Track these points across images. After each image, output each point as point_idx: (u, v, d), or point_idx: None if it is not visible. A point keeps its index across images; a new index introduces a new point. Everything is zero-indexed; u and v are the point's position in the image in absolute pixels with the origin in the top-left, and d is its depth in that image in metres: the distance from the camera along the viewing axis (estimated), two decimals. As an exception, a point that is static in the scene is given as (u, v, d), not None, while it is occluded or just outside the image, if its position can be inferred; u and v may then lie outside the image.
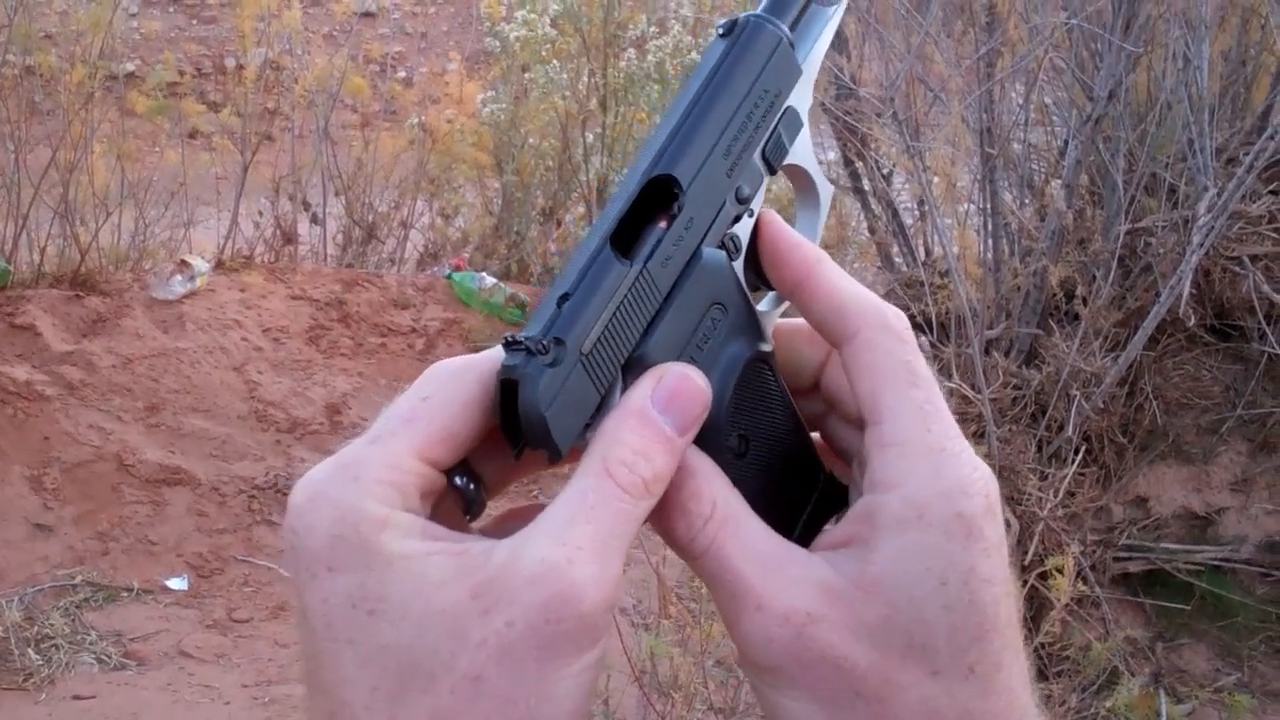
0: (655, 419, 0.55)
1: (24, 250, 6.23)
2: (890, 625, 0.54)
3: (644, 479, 0.53)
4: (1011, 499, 4.28)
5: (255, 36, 7.25)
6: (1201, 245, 4.16)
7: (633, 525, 0.53)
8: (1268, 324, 4.54)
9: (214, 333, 6.03)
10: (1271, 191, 4.63)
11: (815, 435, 0.65)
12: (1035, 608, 3.87)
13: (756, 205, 0.62)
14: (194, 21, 13.97)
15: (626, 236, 0.57)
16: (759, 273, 0.62)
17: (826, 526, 0.62)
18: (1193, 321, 4.33)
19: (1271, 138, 4.10)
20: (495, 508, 0.60)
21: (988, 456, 4.26)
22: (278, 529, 5.20)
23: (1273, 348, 4.54)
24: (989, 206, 4.84)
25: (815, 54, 0.64)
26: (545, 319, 0.55)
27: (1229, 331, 4.88)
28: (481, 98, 7.84)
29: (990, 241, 4.87)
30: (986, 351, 4.60)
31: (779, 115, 0.62)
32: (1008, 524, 4.21)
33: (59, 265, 6.25)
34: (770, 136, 0.62)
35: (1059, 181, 4.79)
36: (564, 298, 0.55)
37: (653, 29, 7.49)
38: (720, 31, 0.61)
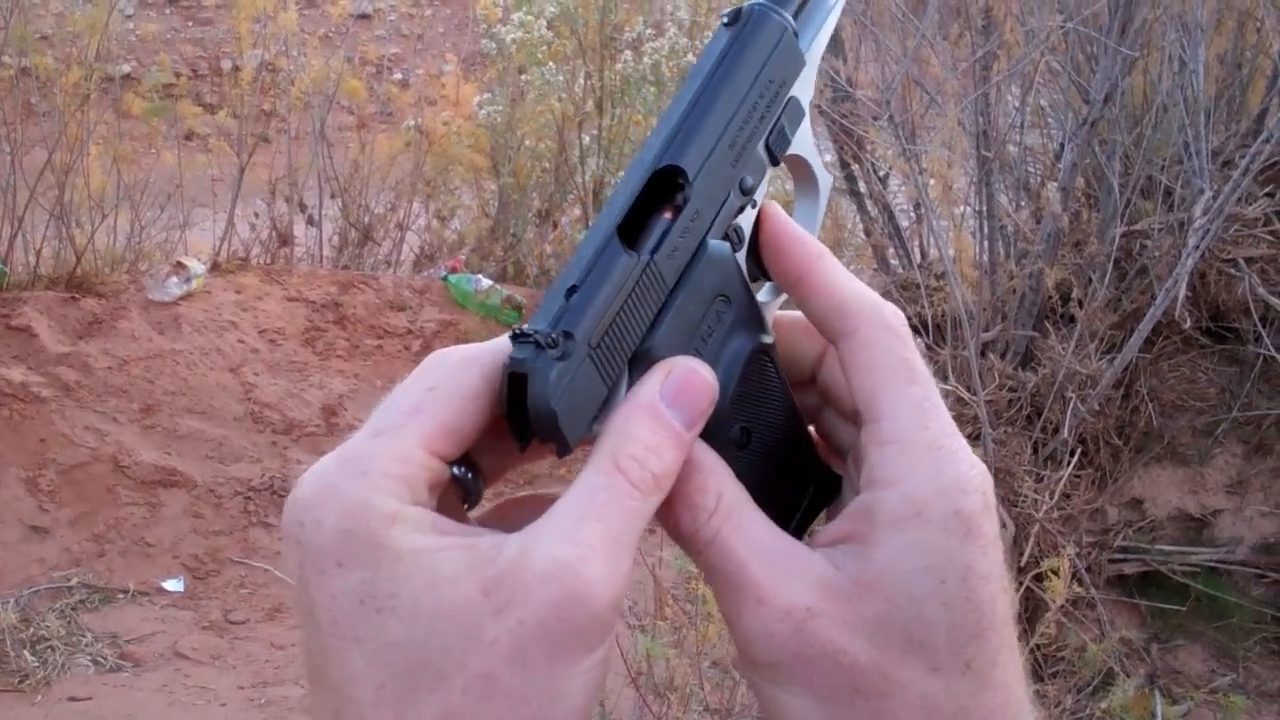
0: (665, 413, 0.54)
1: (20, 252, 6.22)
2: (889, 622, 0.54)
3: (654, 474, 0.53)
4: (1007, 501, 4.28)
5: (251, 38, 7.25)
6: (1197, 248, 4.17)
7: (642, 521, 0.53)
8: (1263, 326, 4.55)
9: (210, 334, 6.03)
10: (1267, 194, 4.64)
11: (810, 429, 0.65)
12: (1031, 609, 3.88)
13: (759, 197, 0.61)
14: (190, 23, 13.97)
15: (632, 227, 0.57)
16: (759, 264, 0.61)
17: (823, 522, 0.62)
18: (1188, 324, 4.33)
19: (1267, 140, 4.10)
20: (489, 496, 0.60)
21: (983, 458, 4.24)
22: (274, 530, 5.20)
23: (1268, 350, 4.55)
24: (985, 209, 4.85)
25: (818, 44, 0.64)
26: (553, 311, 0.54)
27: (1225, 334, 4.88)
28: (478, 100, 7.84)
29: (986, 244, 4.87)
30: (982, 354, 4.60)
31: (783, 105, 0.62)
32: (1003, 525, 4.22)
33: (55, 267, 6.25)
34: (774, 127, 0.62)
35: (1055, 184, 4.79)
36: (572, 290, 0.54)
37: (649, 31, 7.49)
38: (725, 21, 0.61)
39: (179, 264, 6.30)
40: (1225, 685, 4.33)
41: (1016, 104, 5.08)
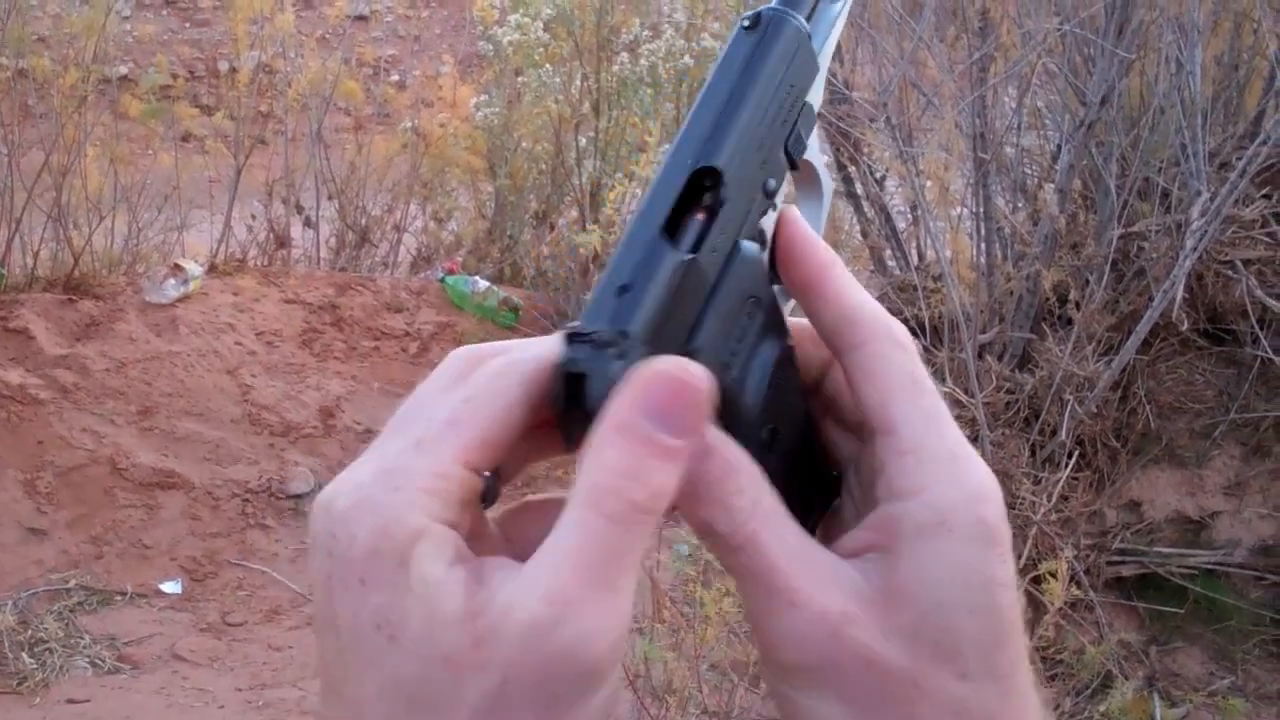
0: (643, 430, 0.49)
1: (17, 254, 6.22)
2: (919, 630, 0.54)
3: (636, 501, 0.49)
4: (1005, 503, 4.28)
5: (248, 40, 7.25)
6: (1194, 249, 4.18)
7: (633, 552, 0.50)
8: (1261, 328, 4.55)
9: (207, 336, 6.02)
10: (1264, 196, 4.64)
11: None
12: (1029, 612, 3.88)
13: (779, 200, 0.62)
14: (187, 24, 13.96)
15: (669, 227, 0.56)
16: (772, 268, 0.61)
17: (842, 535, 0.62)
18: (1186, 326, 4.33)
19: (1264, 142, 4.11)
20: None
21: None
22: (271, 533, 5.20)
23: (1266, 352, 4.55)
24: (982, 211, 4.85)
25: (827, 50, 0.64)
26: (607, 310, 0.53)
27: (1222, 336, 4.89)
28: (474, 101, 7.84)
29: (983, 245, 4.88)
30: (979, 355, 4.61)
31: (799, 110, 0.62)
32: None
33: (52, 269, 6.25)
34: (792, 131, 0.62)
35: (1052, 186, 4.79)
36: (624, 289, 0.53)
37: (646, 33, 7.49)
38: (745, 25, 0.61)
39: (176, 266, 6.30)
40: (1224, 688, 4.33)
41: (1013, 106, 5.08)
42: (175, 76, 9.80)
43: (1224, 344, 4.89)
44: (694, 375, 0.51)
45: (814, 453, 0.63)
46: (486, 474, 0.54)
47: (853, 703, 0.55)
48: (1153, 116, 4.71)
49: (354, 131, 7.88)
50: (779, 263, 0.61)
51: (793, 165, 0.63)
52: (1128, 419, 4.79)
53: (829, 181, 0.66)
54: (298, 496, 5.38)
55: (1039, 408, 4.55)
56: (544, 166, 7.67)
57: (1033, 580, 3.82)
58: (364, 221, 7.65)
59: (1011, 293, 4.71)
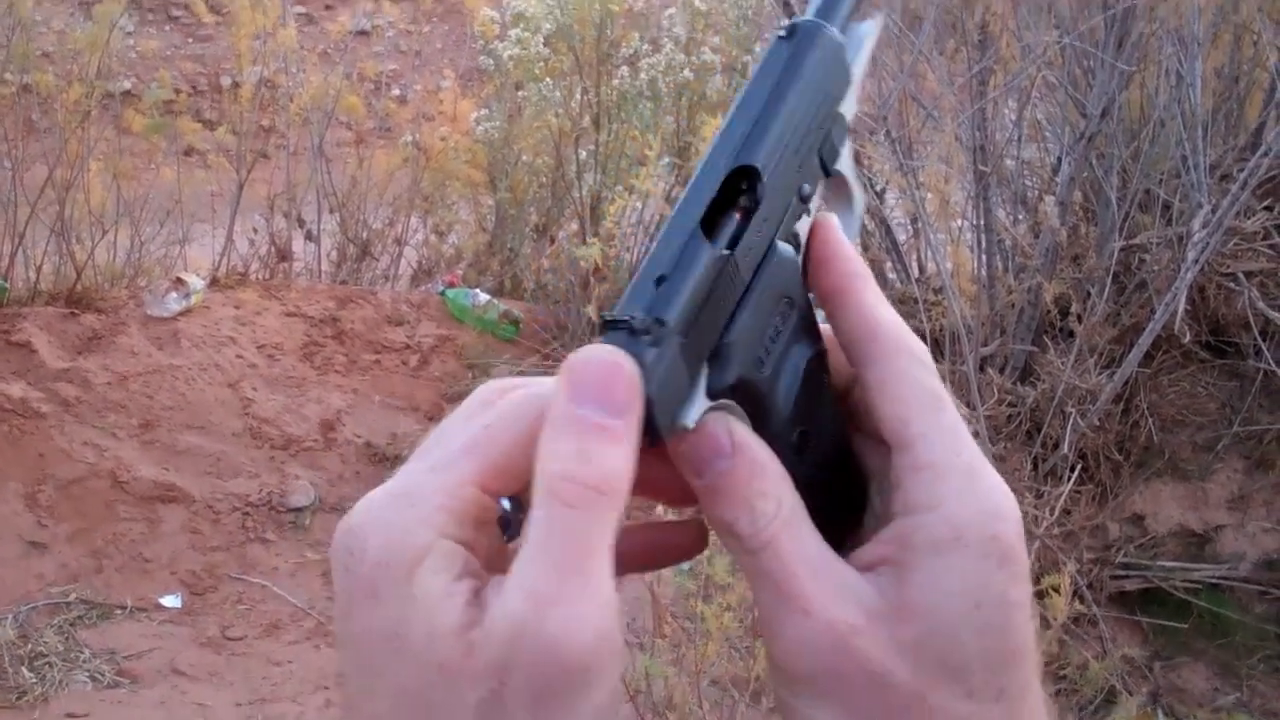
0: (581, 414, 0.50)
1: (20, 268, 6.22)
2: (927, 646, 0.54)
3: (590, 482, 0.50)
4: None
5: (251, 55, 7.25)
6: (1196, 262, 4.17)
7: (602, 534, 0.50)
8: (1263, 340, 4.55)
9: (209, 350, 6.02)
10: (1266, 208, 4.64)
11: None
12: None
13: (814, 206, 0.62)
14: (190, 40, 13.98)
15: (707, 224, 0.56)
16: (803, 273, 0.62)
17: (858, 547, 0.61)
18: (1188, 338, 4.33)
19: (1265, 154, 4.11)
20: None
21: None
22: (272, 546, 5.19)
23: (1268, 364, 4.55)
24: (983, 223, 4.85)
25: (859, 64, 0.65)
26: (643, 299, 0.53)
27: (1224, 348, 4.89)
28: (475, 115, 7.85)
29: (984, 258, 4.88)
30: (981, 368, 4.60)
31: (833, 119, 0.63)
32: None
33: (55, 283, 6.25)
34: (826, 138, 0.62)
35: (1053, 198, 4.80)
36: (661, 279, 0.54)
37: (645, 47, 7.49)
38: (781, 34, 0.62)
39: (178, 279, 6.30)
40: (1229, 703, 4.32)
41: (1013, 118, 5.09)
42: (178, 91, 9.81)
43: (1226, 356, 4.89)
44: (619, 355, 0.51)
45: (847, 463, 0.63)
46: (505, 502, 0.54)
47: (856, 715, 0.54)
48: (1153, 129, 4.71)
49: (355, 146, 7.88)
50: (810, 268, 0.62)
51: (826, 173, 0.63)
52: (1130, 432, 4.78)
53: (861, 195, 0.66)
54: (298, 510, 5.37)
55: (1041, 421, 4.55)
56: (544, 180, 7.67)
57: (1035, 595, 3.80)
58: (365, 235, 7.65)
59: (1013, 305, 4.71)
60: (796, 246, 0.61)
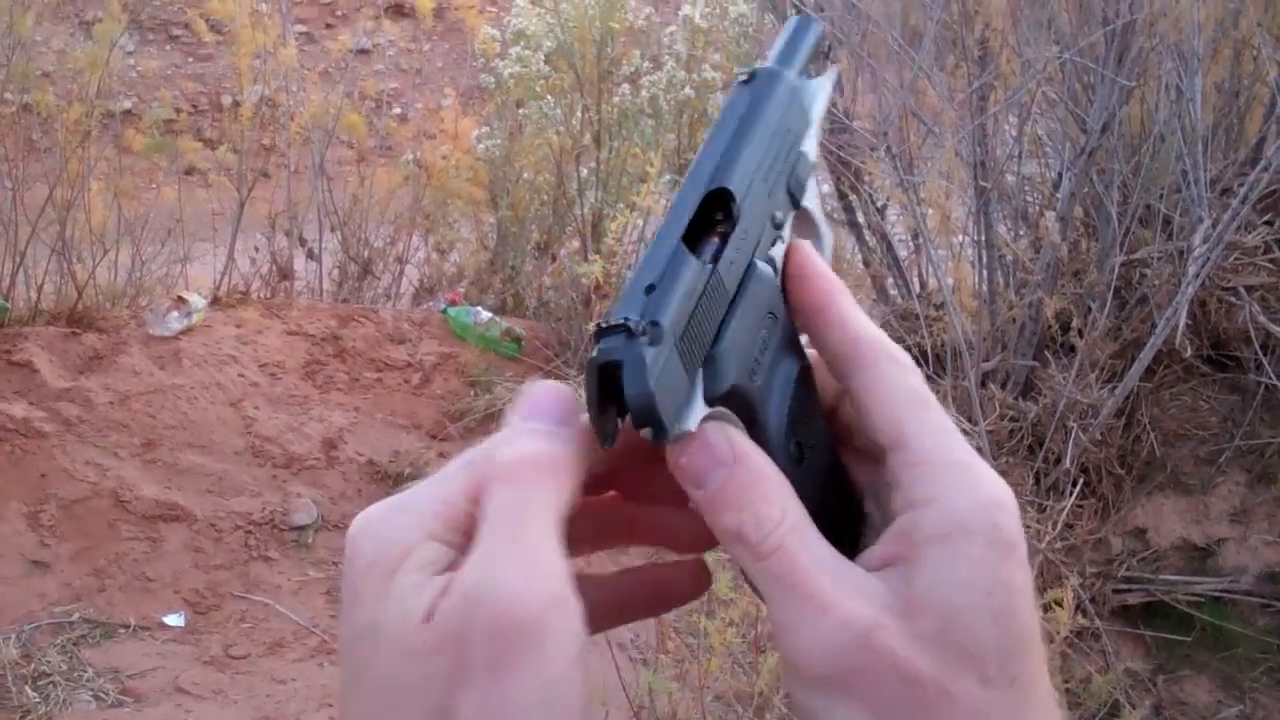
0: (523, 425, 0.57)
1: (21, 287, 6.23)
2: (944, 636, 0.55)
3: (524, 460, 0.55)
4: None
5: (251, 74, 7.27)
6: (1197, 276, 4.18)
7: (540, 505, 0.54)
8: (1264, 354, 4.55)
9: (210, 369, 6.02)
10: (1266, 222, 4.65)
11: None
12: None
13: (786, 233, 0.65)
14: (190, 59, 14.01)
15: (689, 242, 0.59)
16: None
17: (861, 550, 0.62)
18: (1189, 352, 4.34)
19: (1266, 169, 4.12)
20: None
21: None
22: (274, 565, 5.19)
23: (1270, 378, 4.55)
24: (984, 239, 4.86)
25: (816, 109, 0.69)
26: (635, 305, 0.55)
27: (1226, 362, 4.89)
28: (476, 133, 7.86)
29: (985, 274, 4.88)
30: (983, 384, 4.61)
31: (797, 155, 0.66)
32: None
33: (56, 302, 6.26)
34: (793, 172, 0.66)
35: (1053, 214, 4.80)
36: (650, 288, 0.56)
37: (646, 65, 7.51)
38: (743, 80, 0.66)
39: (179, 298, 6.31)
40: (1232, 716, 4.32)
41: (1014, 134, 5.10)
42: (179, 111, 9.82)
43: (1228, 370, 4.90)
44: (562, 386, 0.59)
45: (842, 477, 0.65)
46: None
47: (880, 711, 0.55)
48: (1154, 144, 4.72)
49: (356, 164, 7.89)
50: (788, 289, 0.64)
51: (795, 204, 0.66)
52: (1132, 446, 4.79)
53: (828, 232, 0.69)
54: (300, 528, 5.37)
55: (1043, 435, 4.55)
56: (546, 197, 7.68)
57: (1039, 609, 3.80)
58: (366, 253, 7.66)
59: (1014, 320, 4.71)
60: (775, 270, 0.63)
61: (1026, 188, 5.30)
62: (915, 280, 5.52)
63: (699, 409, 0.57)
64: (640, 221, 6.94)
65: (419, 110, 9.71)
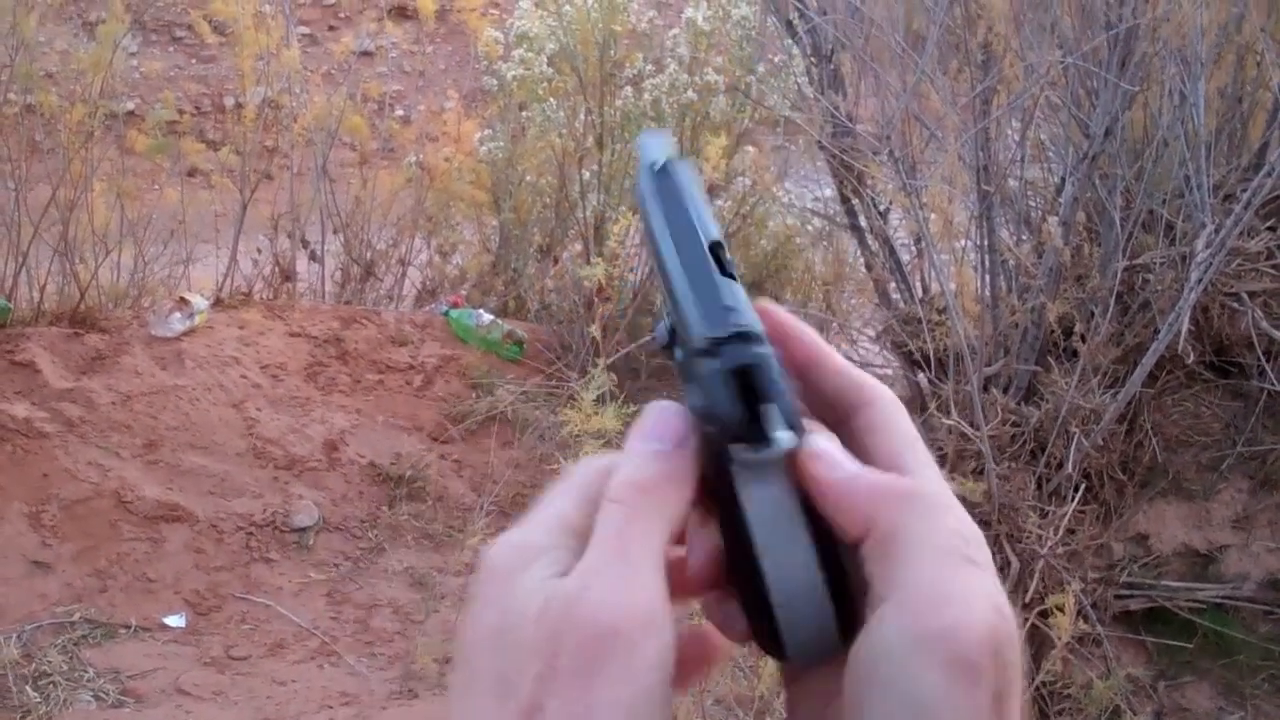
0: (639, 446, 0.60)
1: (24, 288, 6.23)
2: None
3: (635, 483, 0.58)
4: (1011, 537, 4.28)
5: (254, 75, 7.27)
6: (1200, 282, 4.17)
7: (646, 527, 0.57)
8: (1267, 360, 4.55)
9: (213, 370, 6.03)
10: (1269, 228, 4.65)
11: None
12: (1036, 646, 3.87)
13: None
14: (193, 60, 14.03)
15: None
16: None
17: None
18: (1192, 358, 4.33)
19: (1269, 174, 4.11)
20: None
21: (987, 494, 4.25)
22: (275, 566, 5.19)
23: (1272, 384, 4.55)
24: (986, 243, 4.86)
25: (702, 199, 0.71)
26: (729, 320, 0.58)
27: (1228, 368, 4.89)
28: (479, 136, 7.86)
29: (988, 278, 4.88)
30: (985, 388, 4.60)
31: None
32: (1008, 562, 4.21)
33: (59, 303, 6.26)
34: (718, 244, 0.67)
35: (1056, 218, 4.80)
36: (729, 308, 0.59)
37: (649, 67, 7.52)
38: (656, 169, 0.68)
39: (182, 299, 6.31)
40: (1233, 722, 4.31)
41: (1017, 138, 5.09)
42: (181, 112, 9.82)
43: (1230, 376, 4.89)
44: (674, 405, 0.61)
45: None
46: None
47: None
48: (1156, 149, 4.72)
49: (359, 166, 7.89)
50: (779, 345, 0.65)
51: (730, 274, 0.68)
52: (1134, 452, 4.78)
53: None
54: (302, 530, 5.37)
55: (1045, 440, 4.54)
56: (548, 200, 7.68)
57: (1040, 614, 3.80)
58: (369, 255, 7.67)
59: (1016, 325, 4.71)
60: None
61: (1029, 192, 5.29)
62: (918, 284, 5.52)
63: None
64: (642, 225, 6.93)
65: (422, 112, 9.72)
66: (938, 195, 4.62)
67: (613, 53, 7.25)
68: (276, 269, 7.20)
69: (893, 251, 5.57)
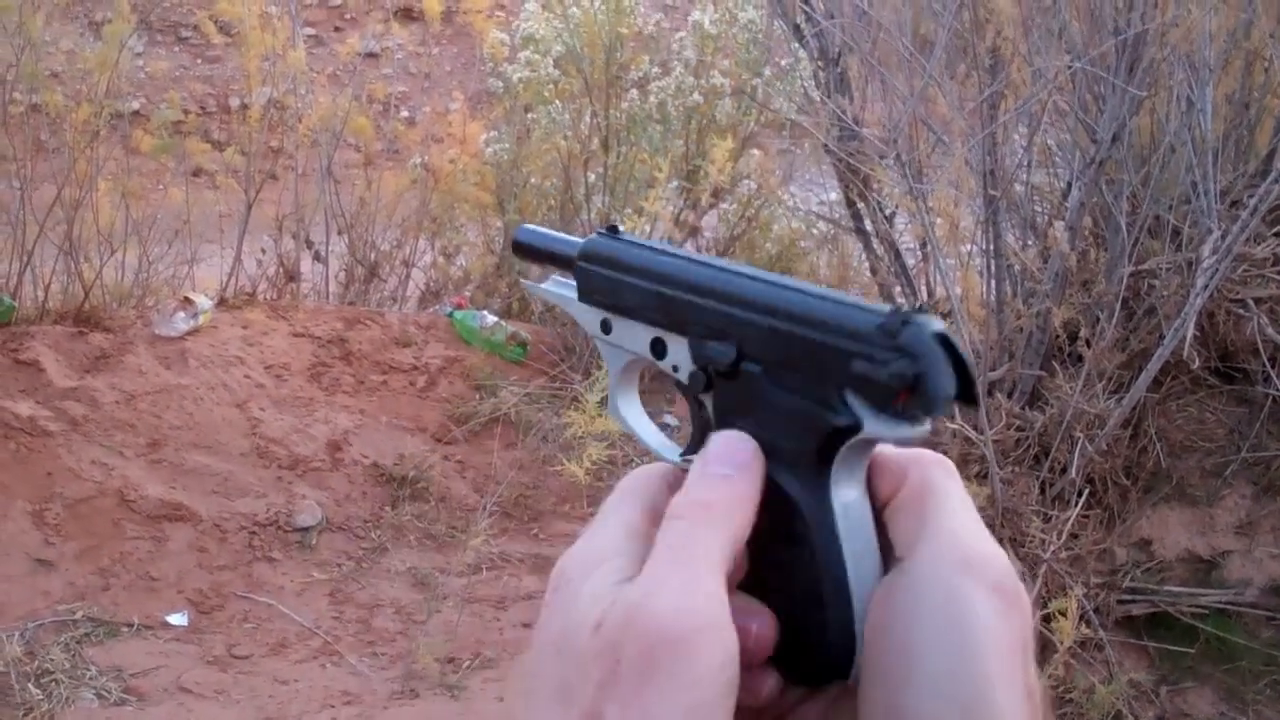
0: (707, 469, 0.62)
1: (28, 286, 6.23)
2: None
3: (699, 500, 0.60)
4: (1014, 541, 4.27)
5: (260, 76, 7.27)
6: (1205, 288, 4.17)
7: (708, 541, 0.58)
8: (1272, 367, 4.54)
9: (216, 369, 6.03)
10: (1276, 234, 4.64)
11: None
12: (1039, 650, 3.86)
13: None
14: (199, 61, 14.04)
15: None
16: None
17: None
18: (1197, 364, 4.33)
19: (1276, 181, 4.11)
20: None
21: (991, 498, 4.25)
22: (278, 566, 5.19)
23: (1277, 390, 4.54)
24: (992, 248, 4.85)
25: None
26: (883, 338, 0.60)
27: (1233, 374, 4.88)
28: (484, 138, 7.87)
29: (993, 283, 4.88)
30: (989, 393, 4.60)
31: None
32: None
33: (63, 302, 6.26)
34: None
35: (1062, 223, 4.80)
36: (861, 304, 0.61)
37: (655, 70, 7.52)
38: (610, 231, 0.75)
39: (186, 299, 6.31)
40: (1235, 727, 4.31)
41: (1024, 143, 5.09)
42: (187, 112, 9.83)
43: (1235, 382, 4.89)
44: (743, 435, 0.63)
45: None
46: None
47: None
48: (1163, 154, 4.71)
49: (364, 167, 7.89)
50: None
51: None
52: (1138, 457, 4.78)
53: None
54: (305, 530, 5.37)
55: (1049, 445, 4.54)
56: (553, 202, 7.68)
57: (1043, 619, 3.80)
58: (373, 256, 7.67)
59: (1021, 330, 4.71)
60: None
61: (1035, 197, 5.29)
62: (923, 288, 5.52)
63: None
64: (648, 227, 6.94)
65: (427, 114, 9.71)
66: (944, 199, 4.62)
67: (619, 55, 7.26)
68: (281, 269, 7.19)
69: (898, 255, 5.57)
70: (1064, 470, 4.49)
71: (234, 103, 11.43)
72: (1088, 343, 4.51)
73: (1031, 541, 4.26)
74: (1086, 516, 4.53)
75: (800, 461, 0.62)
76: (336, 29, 14.37)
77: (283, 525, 5.36)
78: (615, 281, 0.73)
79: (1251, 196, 4.26)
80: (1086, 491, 4.53)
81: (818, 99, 5.78)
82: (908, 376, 0.58)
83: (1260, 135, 5.01)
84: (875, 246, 5.73)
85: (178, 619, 4.85)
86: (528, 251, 0.84)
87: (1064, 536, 4.31)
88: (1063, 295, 4.65)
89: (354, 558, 5.37)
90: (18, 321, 6.00)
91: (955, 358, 0.58)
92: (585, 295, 0.76)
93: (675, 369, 0.68)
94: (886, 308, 0.60)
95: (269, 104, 7.33)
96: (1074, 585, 4.16)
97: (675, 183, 6.95)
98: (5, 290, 6.13)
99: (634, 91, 7.37)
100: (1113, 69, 4.48)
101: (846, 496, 0.62)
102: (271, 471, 5.64)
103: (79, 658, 4.51)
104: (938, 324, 0.58)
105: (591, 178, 7.31)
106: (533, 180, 7.70)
